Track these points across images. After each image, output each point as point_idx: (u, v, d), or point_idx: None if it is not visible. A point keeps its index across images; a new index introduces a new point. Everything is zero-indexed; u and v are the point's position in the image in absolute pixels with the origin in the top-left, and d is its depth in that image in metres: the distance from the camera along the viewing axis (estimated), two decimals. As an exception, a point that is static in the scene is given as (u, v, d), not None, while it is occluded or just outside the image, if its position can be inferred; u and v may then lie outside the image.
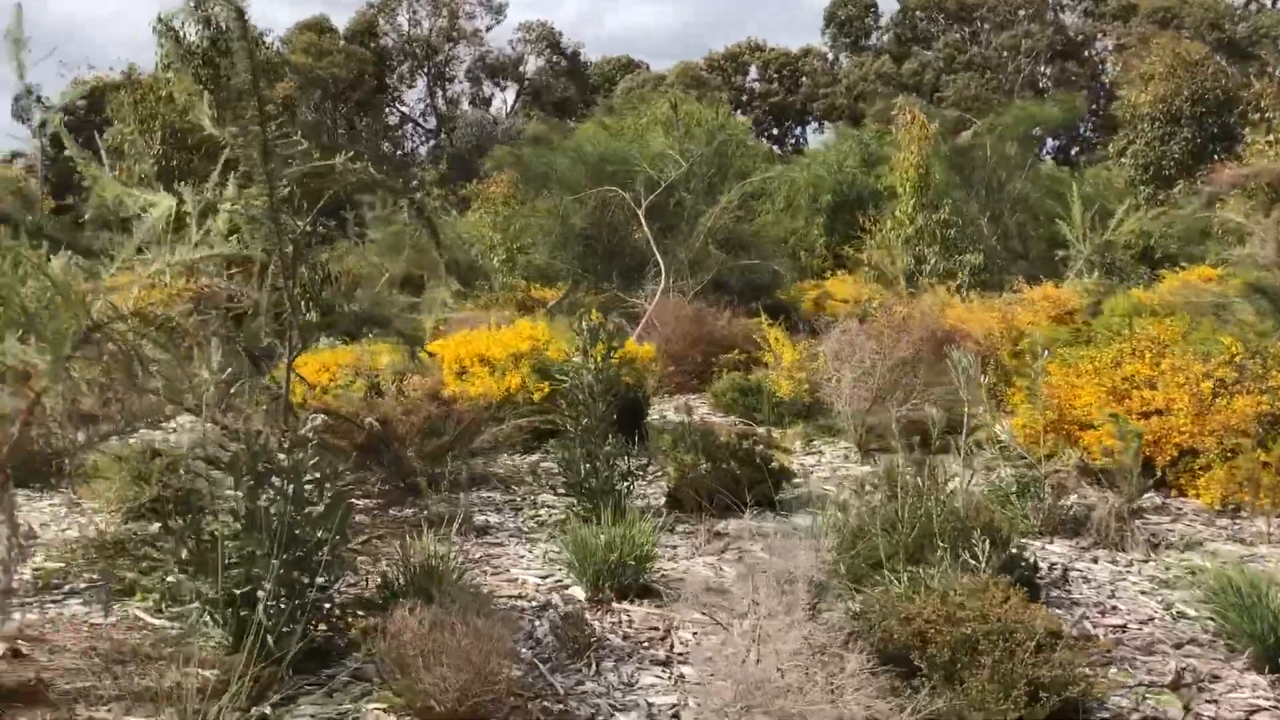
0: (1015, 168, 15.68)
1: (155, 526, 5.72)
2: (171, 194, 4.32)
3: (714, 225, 13.36)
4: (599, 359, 5.97)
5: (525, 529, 5.83)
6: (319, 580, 4.04)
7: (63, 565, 5.10)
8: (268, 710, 3.58)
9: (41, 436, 3.58)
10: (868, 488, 4.81)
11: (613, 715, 3.53)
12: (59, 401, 3.37)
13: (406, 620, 3.47)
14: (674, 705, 3.62)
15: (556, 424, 7.10)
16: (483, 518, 5.98)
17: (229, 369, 4.14)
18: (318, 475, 4.08)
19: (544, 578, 5.01)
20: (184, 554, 3.96)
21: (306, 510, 4.01)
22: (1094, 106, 44.30)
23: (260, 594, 3.86)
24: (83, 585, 4.88)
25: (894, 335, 7.45)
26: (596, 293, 14.32)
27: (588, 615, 4.41)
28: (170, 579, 4.63)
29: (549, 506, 6.23)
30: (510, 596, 4.72)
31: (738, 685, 3.36)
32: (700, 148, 14.66)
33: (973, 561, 4.05)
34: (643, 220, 13.00)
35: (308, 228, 5.94)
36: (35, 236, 4.82)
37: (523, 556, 5.34)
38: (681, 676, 3.86)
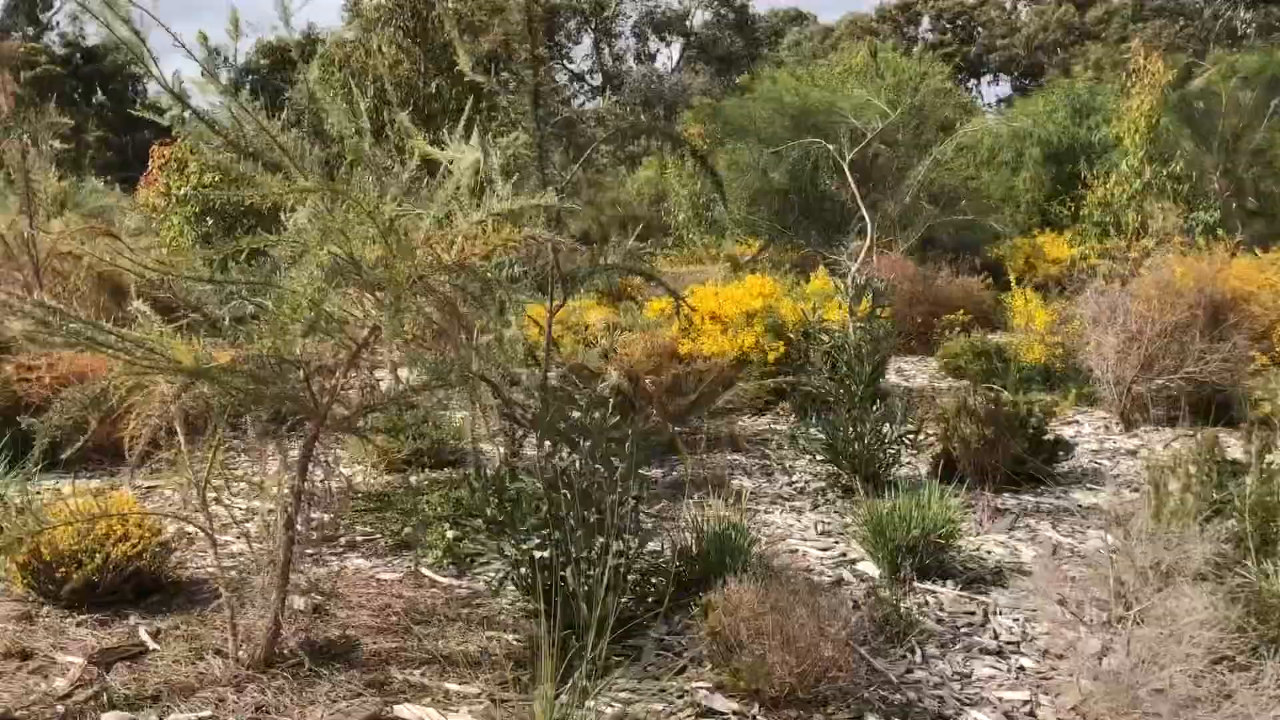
0: (1254, 117, 14.40)
1: (413, 479, 5.69)
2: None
3: (925, 179, 12.72)
4: (864, 317, 5.63)
5: (785, 495, 5.55)
6: (616, 545, 3.84)
7: (332, 517, 5.07)
8: (584, 683, 3.39)
9: (361, 388, 3.45)
10: (1193, 469, 4.31)
11: (962, 710, 3.21)
12: (391, 352, 3.23)
13: (741, 596, 3.22)
14: (1027, 701, 3.27)
15: (792, 385, 6.80)
16: (736, 482, 5.72)
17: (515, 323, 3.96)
18: (615, 435, 3.87)
19: (824, 550, 4.71)
20: (488, 512, 3.81)
21: (607, 471, 3.80)
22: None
23: (564, 558, 3.68)
24: (359, 538, 4.83)
25: (1165, 298, 6.81)
26: (794, 249, 13.89)
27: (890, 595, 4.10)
28: (450, 534, 4.55)
29: (803, 472, 5.93)
30: (797, 570, 4.44)
31: (1123, 689, 2.99)
32: (906, 97, 13.97)
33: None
34: (848, 173, 12.45)
35: (572, 177, 5.77)
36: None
37: (792, 525, 5.06)
38: (1022, 669, 3.50)
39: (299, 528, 3.75)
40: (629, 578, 4.00)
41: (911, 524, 4.28)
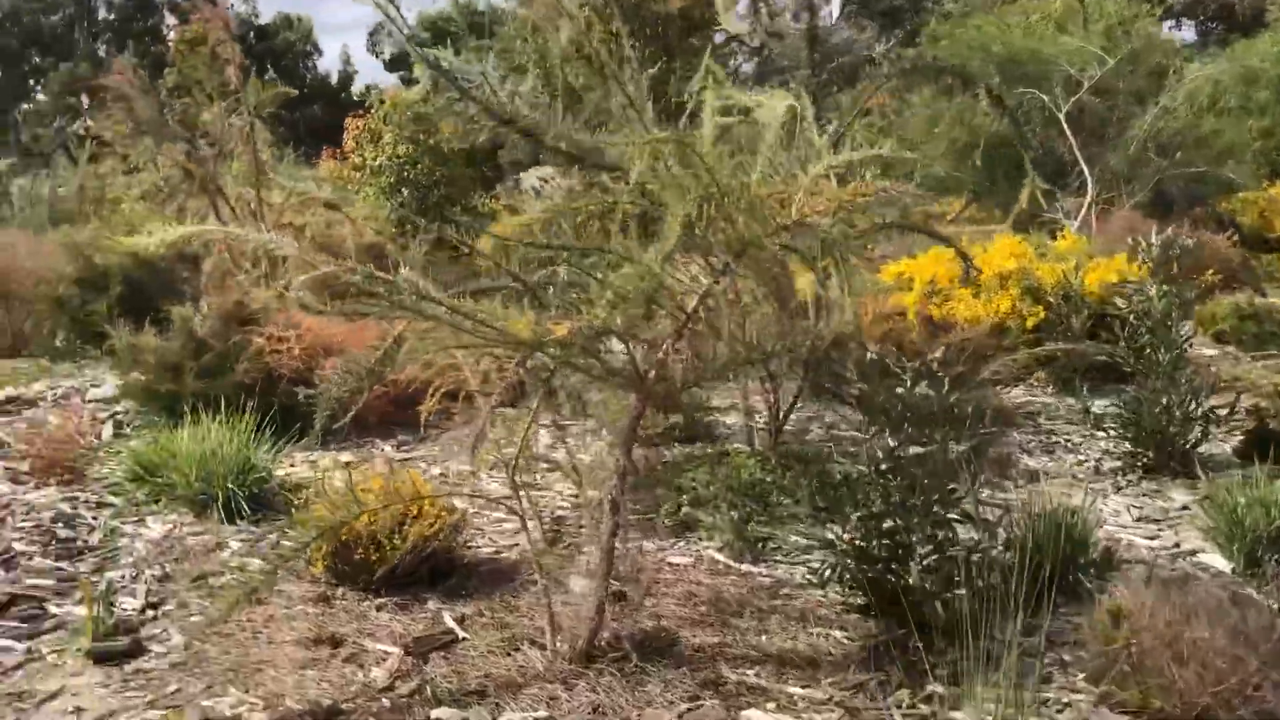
0: None
1: (679, 452, 5.43)
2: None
3: (1151, 129, 11.77)
4: (1163, 282, 5.07)
5: (1079, 476, 5.06)
6: (946, 535, 3.46)
7: (597, 494, 4.84)
8: (940, 690, 3.05)
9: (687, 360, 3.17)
10: None
11: None
12: (724, 321, 2.93)
13: (1148, 605, 2.81)
14: None
15: (1070, 354, 6.27)
16: (1020, 461, 5.26)
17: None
18: (953, 415, 3.48)
19: (1151, 539, 4.23)
20: (814, 499, 3.48)
21: (941, 454, 3.42)
22: None
23: (901, 549, 3.33)
24: (632, 518, 4.58)
25: None
26: (1001, 207, 13.10)
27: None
28: (734, 516, 4.26)
29: (1090, 449, 5.41)
30: (1127, 562, 3.97)
31: None
32: (1119, 42, 12.98)
33: None
34: (1065, 125, 11.66)
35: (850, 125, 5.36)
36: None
37: (1101, 510, 4.57)
38: None
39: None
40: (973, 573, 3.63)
41: (1274, 510, 3.76)
